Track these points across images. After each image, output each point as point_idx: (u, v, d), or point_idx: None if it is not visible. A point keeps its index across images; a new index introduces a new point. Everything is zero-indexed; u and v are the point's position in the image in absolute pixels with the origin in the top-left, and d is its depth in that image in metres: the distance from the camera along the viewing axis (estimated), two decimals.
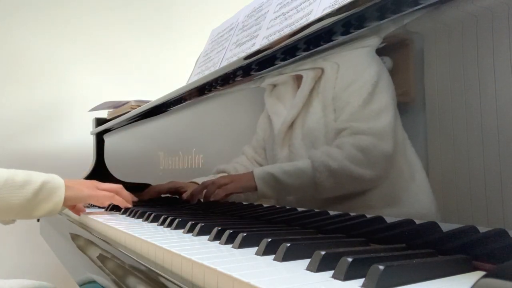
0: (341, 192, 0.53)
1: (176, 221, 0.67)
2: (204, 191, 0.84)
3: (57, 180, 0.90)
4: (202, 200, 0.85)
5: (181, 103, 0.98)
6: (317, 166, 0.55)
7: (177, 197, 0.97)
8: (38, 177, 0.87)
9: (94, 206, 1.21)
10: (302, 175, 0.58)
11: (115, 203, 0.97)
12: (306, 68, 0.60)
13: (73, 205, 0.99)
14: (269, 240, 0.45)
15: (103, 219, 0.84)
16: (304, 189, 0.59)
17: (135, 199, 0.99)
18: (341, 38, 0.54)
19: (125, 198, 0.98)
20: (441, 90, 0.41)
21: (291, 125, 0.62)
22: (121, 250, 0.60)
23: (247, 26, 0.97)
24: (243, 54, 0.75)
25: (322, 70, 0.57)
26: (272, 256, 0.42)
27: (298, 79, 0.61)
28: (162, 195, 1.07)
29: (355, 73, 0.51)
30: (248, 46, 0.91)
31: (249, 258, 0.43)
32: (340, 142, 0.52)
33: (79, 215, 1.01)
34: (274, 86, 0.67)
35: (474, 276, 0.35)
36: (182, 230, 0.63)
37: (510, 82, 0.35)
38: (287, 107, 0.63)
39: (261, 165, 0.68)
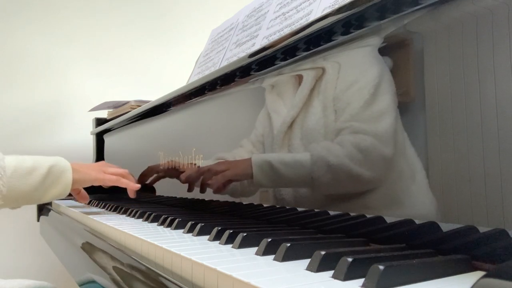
0: (339, 191, 0.53)
1: (176, 221, 0.67)
2: (201, 177, 0.84)
3: (63, 163, 0.91)
4: (199, 187, 0.85)
5: (181, 103, 0.98)
6: (315, 160, 0.55)
7: (177, 197, 0.97)
8: (44, 162, 0.88)
9: (94, 205, 1.21)
10: (300, 167, 0.58)
11: (121, 185, 0.98)
12: (306, 68, 0.60)
13: (77, 191, 1.00)
14: (269, 240, 0.45)
15: (103, 219, 0.84)
16: (301, 182, 0.58)
17: (139, 186, 1.00)
18: (341, 38, 0.54)
19: (131, 182, 0.99)
20: (441, 90, 0.41)
21: (291, 125, 0.62)
22: (121, 250, 0.60)
23: (247, 26, 0.97)
24: (243, 54, 0.75)
25: (322, 70, 0.57)
26: (272, 256, 0.42)
27: (299, 78, 0.61)
28: (162, 188, 1.07)
29: (355, 74, 0.51)
30: (248, 46, 0.91)
31: (249, 258, 0.43)
32: (341, 140, 0.52)
33: (84, 202, 1.02)
34: (275, 83, 0.67)
35: (474, 276, 0.35)
36: (182, 230, 0.63)
37: (510, 82, 0.35)
38: (287, 106, 0.63)
39: None
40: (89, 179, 0.94)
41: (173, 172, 0.98)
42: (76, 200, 1.06)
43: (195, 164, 0.88)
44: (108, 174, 0.97)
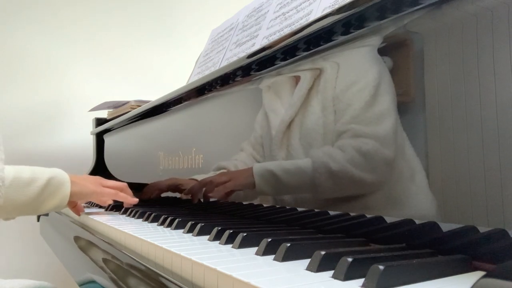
0: (341, 194, 0.53)
1: (176, 221, 0.67)
2: (203, 189, 0.84)
3: (62, 176, 0.90)
4: (201, 199, 0.85)
5: (181, 103, 0.98)
6: (317, 167, 0.55)
7: (177, 197, 0.97)
8: (43, 173, 0.87)
9: (93, 205, 1.21)
10: (302, 174, 0.58)
11: (119, 199, 0.97)
12: (306, 69, 0.60)
13: (74, 203, 0.99)
14: (269, 240, 0.45)
15: (103, 219, 0.84)
16: (303, 189, 0.59)
17: (137, 200, 0.99)
18: (341, 38, 0.54)
19: (129, 196, 0.98)
20: (441, 90, 0.41)
21: (289, 125, 0.61)
22: (121, 250, 0.60)
23: (247, 26, 0.97)
24: (243, 54, 0.75)
25: (323, 70, 0.57)
26: (272, 256, 0.42)
27: (297, 77, 0.61)
28: (162, 195, 1.07)
29: (355, 74, 0.51)
30: (248, 46, 0.91)
31: (249, 258, 0.43)
32: (341, 144, 0.52)
33: (79, 214, 1.01)
34: (274, 83, 0.67)
35: (474, 276, 0.35)
36: (182, 230, 0.63)
37: (510, 82, 0.35)
38: (284, 105, 0.63)
39: (259, 162, 0.68)
40: (87, 192, 0.93)
41: (175, 188, 0.98)
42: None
43: (195, 180, 0.88)
44: (106, 188, 0.96)
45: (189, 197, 0.90)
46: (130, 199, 0.97)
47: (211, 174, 0.83)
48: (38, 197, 0.85)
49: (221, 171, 0.79)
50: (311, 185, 0.56)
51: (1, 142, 0.85)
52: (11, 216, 0.89)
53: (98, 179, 0.99)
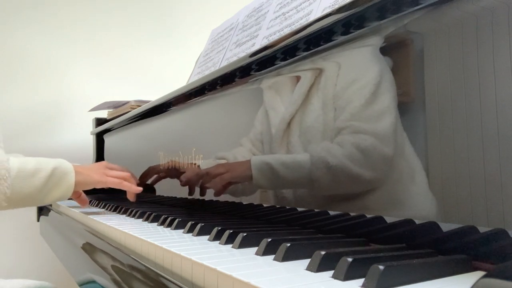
0: (339, 191, 0.53)
1: (176, 221, 0.67)
2: (201, 181, 0.84)
3: (66, 165, 0.91)
4: (199, 189, 0.86)
5: (181, 103, 0.98)
6: (315, 161, 0.55)
7: (177, 197, 0.97)
8: (48, 164, 0.88)
9: (93, 205, 1.21)
10: (300, 168, 0.58)
11: (124, 188, 0.97)
12: (306, 69, 0.60)
13: (78, 194, 1.00)
14: (269, 240, 0.45)
15: (103, 219, 0.84)
16: (301, 183, 0.58)
17: (141, 189, 0.99)
18: (341, 38, 0.54)
19: (133, 185, 0.99)
20: (441, 90, 0.41)
21: (290, 123, 0.61)
22: (121, 250, 0.60)
23: (247, 26, 0.97)
24: (243, 54, 0.75)
25: (323, 70, 0.57)
26: (272, 256, 0.42)
27: (298, 76, 0.61)
28: (162, 194, 1.07)
29: (355, 73, 0.51)
30: (248, 46, 0.91)
31: (249, 258, 0.43)
32: (340, 140, 0.52)
33: (84, 205, 1.02)
34: (274, 82, 0.67)
35: (474, 276, 0.35)
36: (182, 230, 0.63)
37: (510, 82, 0.35)
38: (284, 103, 0.63)
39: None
40: (91, 182, 0.94)
41: (174, 172, 0.98)
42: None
43: (195, 164, 0.88)
44: (110, 177, 0.96)
45: (186, 188, 0.90)
46: (134, 188, 0.98)
47: (210, 161, 0.83)
48: (44, 187, 0.86)
49: (220, 161, 0.79)
50: (308, 180, 0.56)
51: (1, 140, 0.86)
52: (16, 207, 0.89)
53: (102, 167, 0.99)
